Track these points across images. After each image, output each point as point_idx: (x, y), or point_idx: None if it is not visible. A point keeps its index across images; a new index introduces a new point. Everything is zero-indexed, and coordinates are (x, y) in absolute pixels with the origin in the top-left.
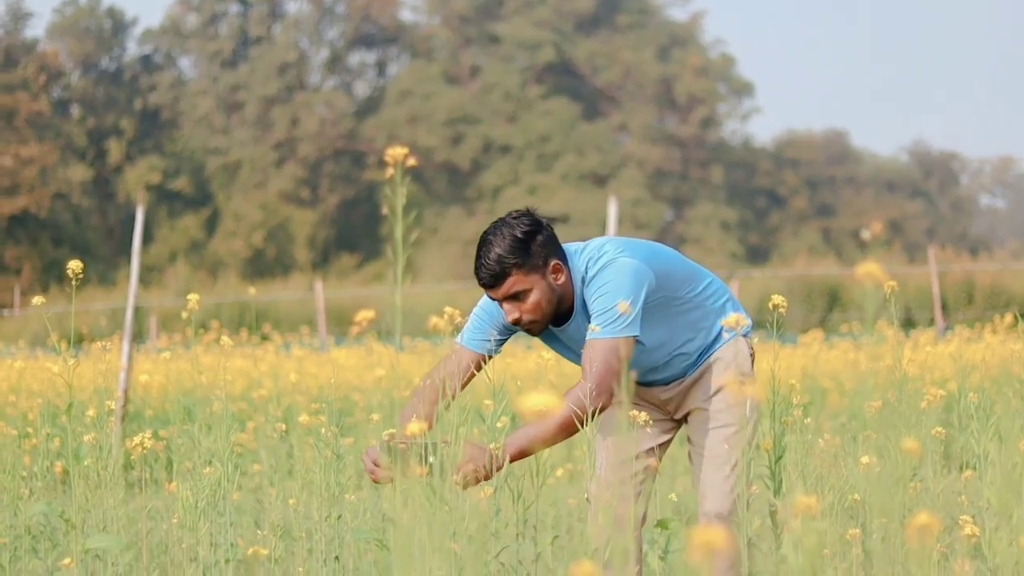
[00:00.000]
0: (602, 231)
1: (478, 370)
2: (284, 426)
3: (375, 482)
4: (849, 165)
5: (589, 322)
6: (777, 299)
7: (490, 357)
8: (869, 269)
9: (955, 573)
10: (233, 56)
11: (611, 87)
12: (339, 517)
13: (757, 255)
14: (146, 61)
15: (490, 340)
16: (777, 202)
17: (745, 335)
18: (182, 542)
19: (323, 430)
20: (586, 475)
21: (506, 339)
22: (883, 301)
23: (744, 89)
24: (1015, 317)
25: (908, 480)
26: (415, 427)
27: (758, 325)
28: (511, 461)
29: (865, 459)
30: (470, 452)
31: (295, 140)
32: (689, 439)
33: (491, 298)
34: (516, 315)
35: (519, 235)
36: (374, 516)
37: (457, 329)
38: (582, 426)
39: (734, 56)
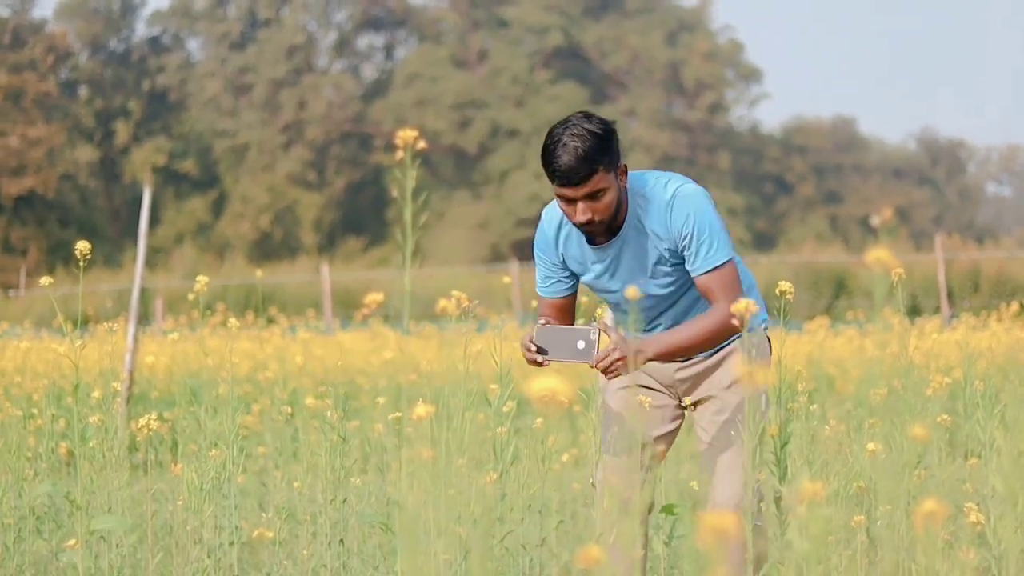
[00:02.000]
0: None
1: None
2: (290, 409)
3: (531, 363)
4: (857, 152)
5: (647, 247)
6: (784, 285)
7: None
8: (879, 255)
9: (960, 560)
10: (241, 38)
11: (619, 72)
12: (344, 500)
13: (764, 241)
14: (154, 42)
15: (567, 281)
16: (784, 188)
17: (764, 327)
18: (187, 524)
19: (328, 413)
20: (591, 460)
21: (576, 275)
22: (891, 288)
23: (752, 75)
24: (1021, 305)
25: (913, 467)
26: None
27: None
28: (656, 358)
29: (871, 446)
30: (617, 341)
31: (302, 123)
32: (700, 427)
33: (565, 198)
34: (589, 215)
35: (601, 133)
36: (379, 500)
37: (464, 313)
38: (737, 330)
39: (742, 42)
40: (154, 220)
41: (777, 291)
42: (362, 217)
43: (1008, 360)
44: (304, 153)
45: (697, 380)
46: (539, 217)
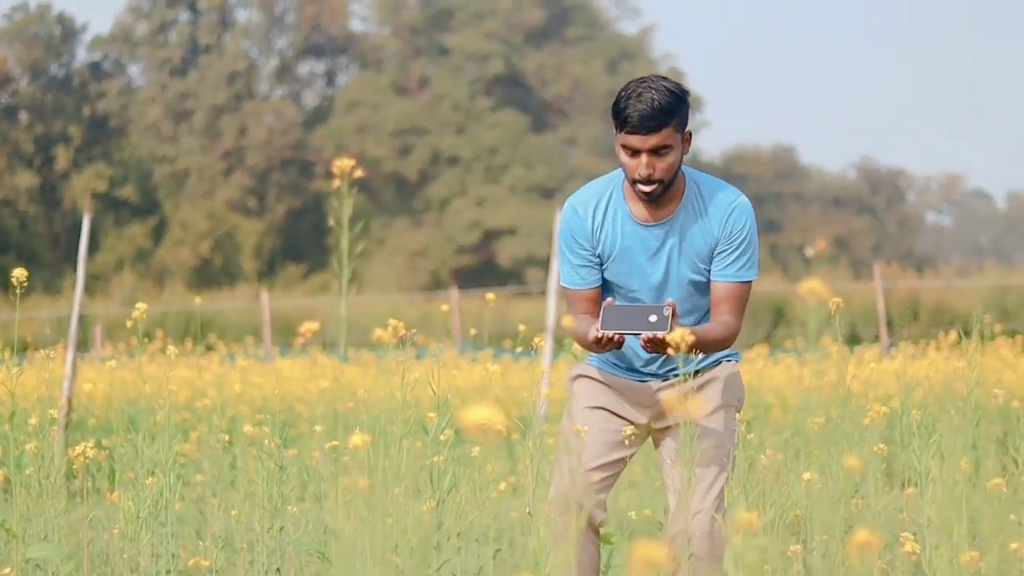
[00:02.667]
0: (549, 244)
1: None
2: (227, 437)
3: (605, 343)
4: (796, 181)
5: (695, 242)
6: None
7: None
8: (812, 286)
9: None
10: (182, 64)
11: (560, 100)
12: (281, 529)
13: None
14: (95, 68)
15: (599, 270)
16: None
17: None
18: (123, 552)
19: (266, 441)
20: (529, 488)
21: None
22: (827, 318)
23: (692, 103)
24: (959, 335)
25: (850, 496)
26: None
27: None
28: (694, 346)
29: (807, 475)
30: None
31: (243, 149)
32: (669, 446)
33: (631, 148)
34: (651, 170)
35: (678, 91)
36: (316, 528)
37: (401, 342)
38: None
39: (683, 70)
40: (94, 246)
41: None
42: (302, 244)
43: (946, 389)
44: (244, 179)
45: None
46: (556, 213)
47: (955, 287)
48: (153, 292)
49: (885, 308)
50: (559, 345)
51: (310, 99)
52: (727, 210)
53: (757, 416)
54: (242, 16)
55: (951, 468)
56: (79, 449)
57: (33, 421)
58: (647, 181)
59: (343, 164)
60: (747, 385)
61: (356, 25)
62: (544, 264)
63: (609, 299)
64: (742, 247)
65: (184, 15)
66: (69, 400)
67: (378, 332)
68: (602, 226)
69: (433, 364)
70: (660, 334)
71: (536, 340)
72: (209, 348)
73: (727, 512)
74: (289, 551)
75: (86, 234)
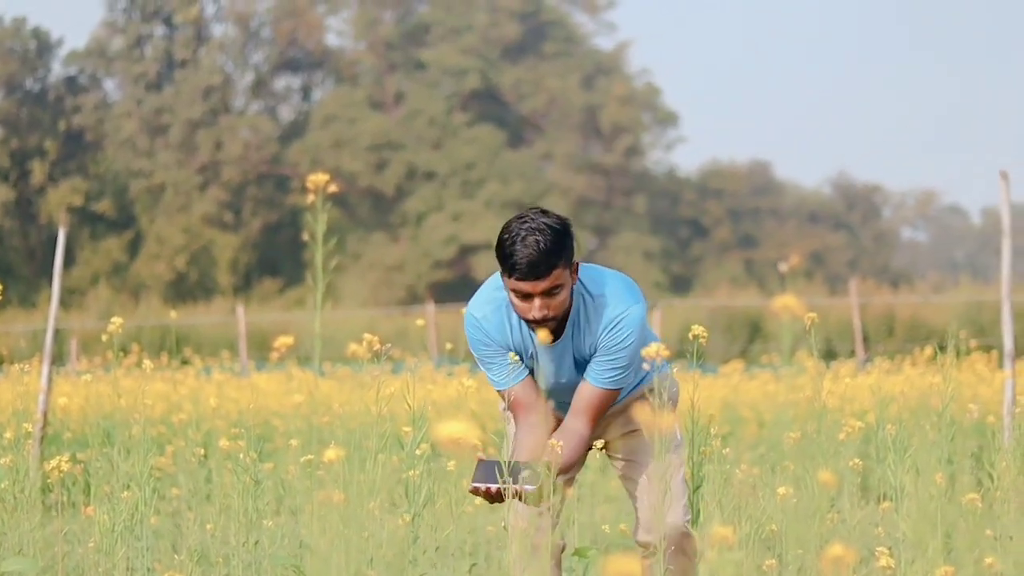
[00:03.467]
0: None
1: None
2: (203, 451)
3: (489, 500)
4: (772, 196)
5: (581, 349)
6: (697, 329)
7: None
8: (786, 302)
9: None
10: (158, 79)
11: (536, 115)
12: (256, 543)
13: (680, 285)
14: (71, 82)
15: (524, 364)
16: (700, 232)
17: (669, 371)
18: (99, 566)
19: (242, 455)
20: (504, 504)
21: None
22: (802, 333)
23: (668, 119)
24: (934, 350)
25: (825, 511)
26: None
27: (679, 355)
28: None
29: (782, 490)
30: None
31: (219, 164)
32: (622, 463)
33: (523, 293)
34: (545, 311)
35: (560, 228)
36: (291, 542)
37: (376, 356)
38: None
39: (659, 86)
40: (69, 260)
41: (690, 335)
42: (278, 258)
43: (920, 405)
44: (220, 194)
45: (603, 427)
46: (468, 299)
47: (930, 303)
48: (129, 306)
49: (861, 323)
50: None
51: (286, 114)
52: (609, 325)
53: (733, 431)
54: (218, 31)
55: (926, 483)
56: (54, 463)
57: (8, 435)
58: (542, 321)
59: (317, 179)
60: (723, 400)
61: (332, 40)
62: None
63: (480, 454)
64: (611, 358)
65: (160, 29)
66: (44, 414)
67: (353, 347)
68: (511, 331)
69: (409, 378)
70: (528, 489)
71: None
72: (185, 362)
73: (703, 524)
74: (265, 565)
75: (62, 248)
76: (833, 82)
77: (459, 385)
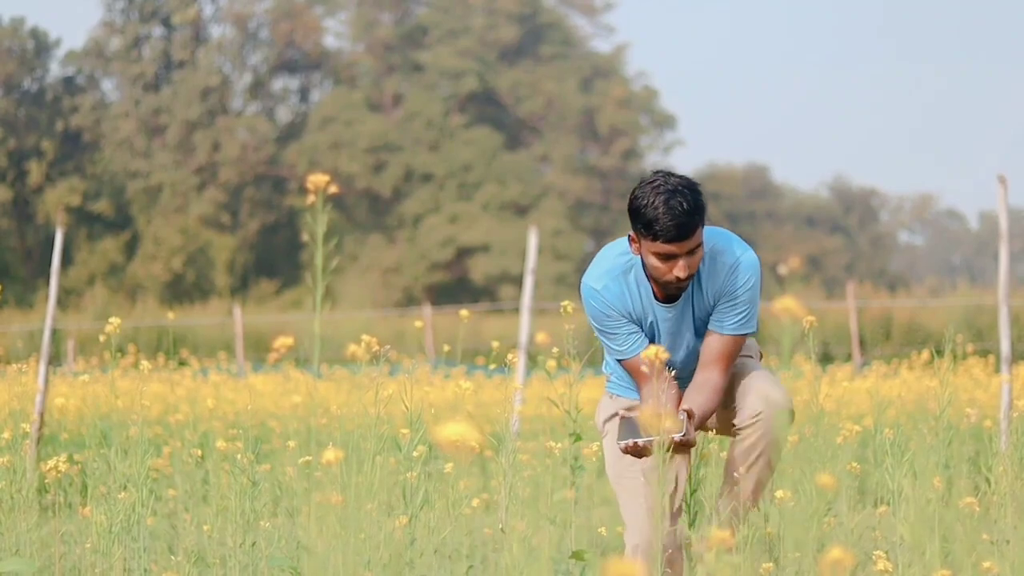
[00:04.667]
0: (522, 261)
1: None
2: (200, 452)
3: (636, 454)
4: (769, 199)
5: (701, 304)
6: None
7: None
8: (786, 304)
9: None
10: (156, 79)
11: (533, 117)
12: (253, 544)
13: None
14: (68, 83)
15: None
16: None
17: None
18: (95, 567)
19: (239, 456)
20: (501, 505)
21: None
22: (800, 336)
23: (666, 122)
24: (931, 353)
25: (823, 515)
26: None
27: None
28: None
29: (780, 493)
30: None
31: (216, 164)
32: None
33: (669, 255)
34: (687, 270)
35: (697, 188)
36: (288, 543)
37: (374, 358)
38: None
39: (656, 88)
40: (66, 261)
41: None
42: (275, 260)
43: (918, 408)
44: (218, 195)
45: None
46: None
47: (928, 306)
48: (126, 307)
49: (858, 327)
50: (532, 362)
51: (284, 115)
52: (728, 272)
53: None
54: (216, 32)
55: (923, 487)
56: (51, 463)
57: (5, 435)
58: (684, 280)
59: (317, 180)
60: None
61: (330, 41)
62: (517, 281)
63: (621, 411)
64: (739, 303)
65: (158, 30)
66: (41, 414)
67: (352, 348)
68: (631, 299)
69: (406, 380)
70: (677, 437)
71: (509, 357)
72: (182, 363)
73: (701, 528)
74: (261, 566)
75: (59, 248)
76: (830, 85)
77: (456, 387)
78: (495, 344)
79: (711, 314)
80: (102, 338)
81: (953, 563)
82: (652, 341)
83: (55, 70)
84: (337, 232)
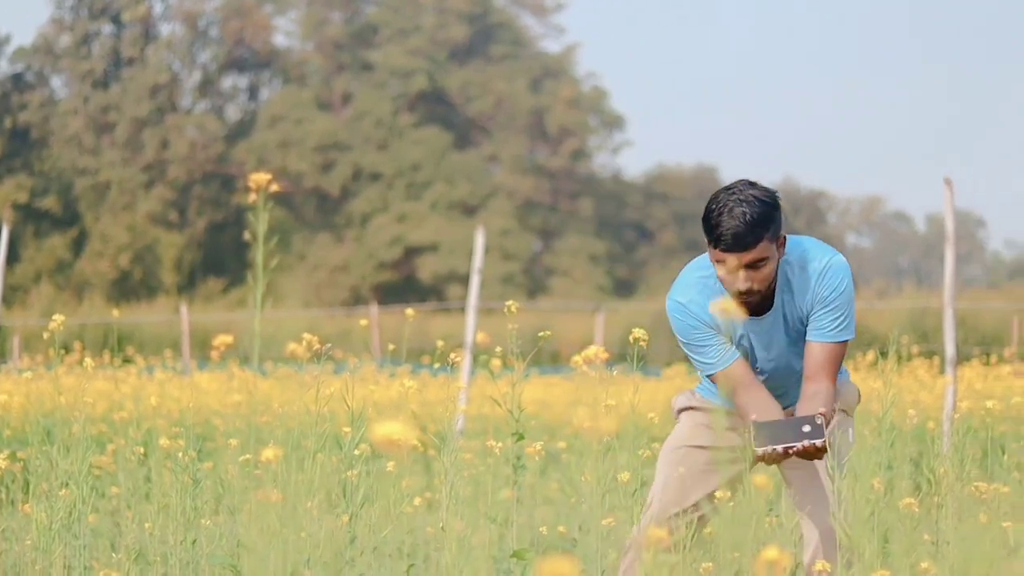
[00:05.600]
0: (470, 261)
1: None
2: (143, 449)
3: (773, 461)
4: None
5: (795, 314)
6: (638, 332)
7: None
8: (723, 305)
9: None
10: (105, 76)
11: (483, 117)
12: (194, 542)
13: (624, 288)
14: (17, 79)
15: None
16: (645, 236)
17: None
18: (36, 564)
19: (180, 454)
20: (443, 504)
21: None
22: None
23: (615, 122)
24: (877, 355)
25: (763, 515)
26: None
27: (620, 358)
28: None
29: (720, 493)
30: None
31: (165, 162)
32: (798, 473)
33: (723, 262)
34: (750, 284)
35: (769, 200)
36: (229, 541)
37: (315, 356)
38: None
39: (606, 89)
40: (13, 257)
41: (631, 338)
42: (223, 258)
43: (862, 410)
44: (166, 193)
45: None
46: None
47: (874, 308)
48: (72, 304)
49: None
50: (476, 361)
51: (233, 113)
52: (817, 280)
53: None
54: (166, 29)
55: (863, 488)
56: None
57: None
58: (747, 293)
59: (259, 178)
60: (665, 403)
61: (279, 40)
62: (465, 280)
63: (754, 416)
64: (835, 308)
65: (107, 27)
66: None
67: (292, 346)
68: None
69: (348, 379)
70: (818, 443)
71: (452, 356)
72: (127, 360)
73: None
74: (202, 564)
75: (5, 245)
76: (778, 87)
77: (400, 387)
78: (440, 343)
79: (806, 323)
80: (47, 335)
81: (892, 564)
82: (745, 354)
83: (3, 67)
84: (284, 231)
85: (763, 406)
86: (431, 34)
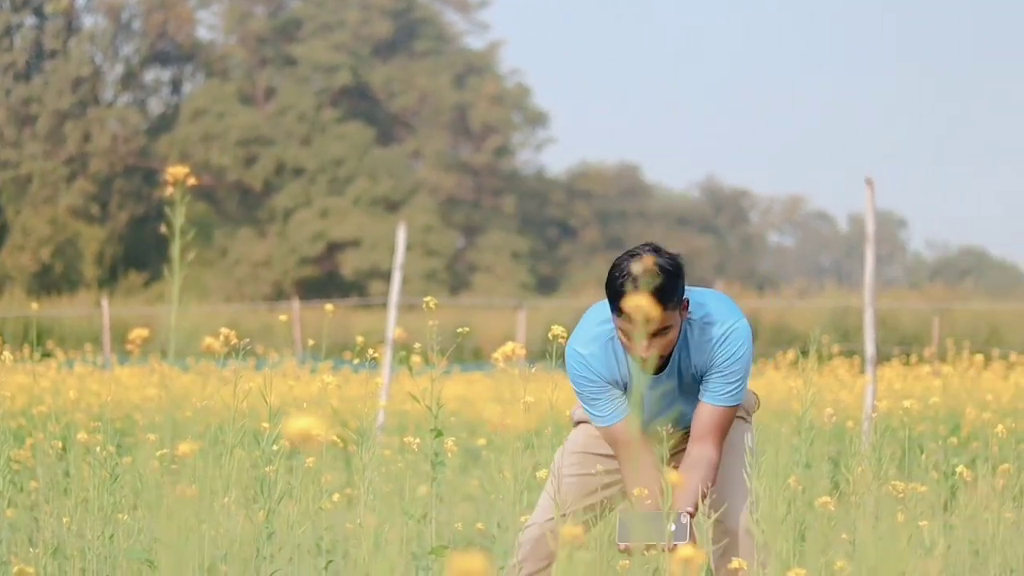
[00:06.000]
0: (392, 257)
1: None
2: (61, 444)
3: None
4: (640, 199)
5: (690, 371)
6: (557, 329)
7: None
8: (638, 302)
9: None
10: (27, 68)
11: (406, 113)
12: (111, 537)
13: (546, 285)
14: None
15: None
16: (568, 233)
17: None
18: None
19: (98, 448)
20: (362, 500)
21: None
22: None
23: (538, 119)
24: (797, 354)
25: (679, 513)
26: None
27: (541, 355)
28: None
29: (637, 491)
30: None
31: (87, 155)
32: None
33: (625, 331)
34: (653, 350)
35: (672, 270)
36: (147, 536)
37: (233, 351)
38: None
39: (529, 86)
40: None
41: (550, 335)
42: (144, 252)
43: (783, 409)
44: (87, 186)
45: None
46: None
47: (795, 307)
48: None
49: None
50: (397, 358)
51: (155, 107)
52: (718, 341)
53: None
54: (88, 22)
55: (779, 486)
56: None
57: None
58: (647, 358)
59: (176, 171)
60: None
61: (203, 33)
62: (387, 277)
63: (620, 510)
64: (727, 374)
65: (29, 19)
66: None
67: (208, 340)
68: (618, 366)
69: (268, 374)
70: (680, 544)
71: (371, 351)
72: (47, 355)
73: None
74: (120, 559)
75: None
76: (702, 86)
77: (321, 383)
78: (360, 339)
79: (699, 381)
80: None
81: (807, 563)
82: (639, 409)
83: None
84: (205, 225)
85: (642, 479)
86: (355, 29)
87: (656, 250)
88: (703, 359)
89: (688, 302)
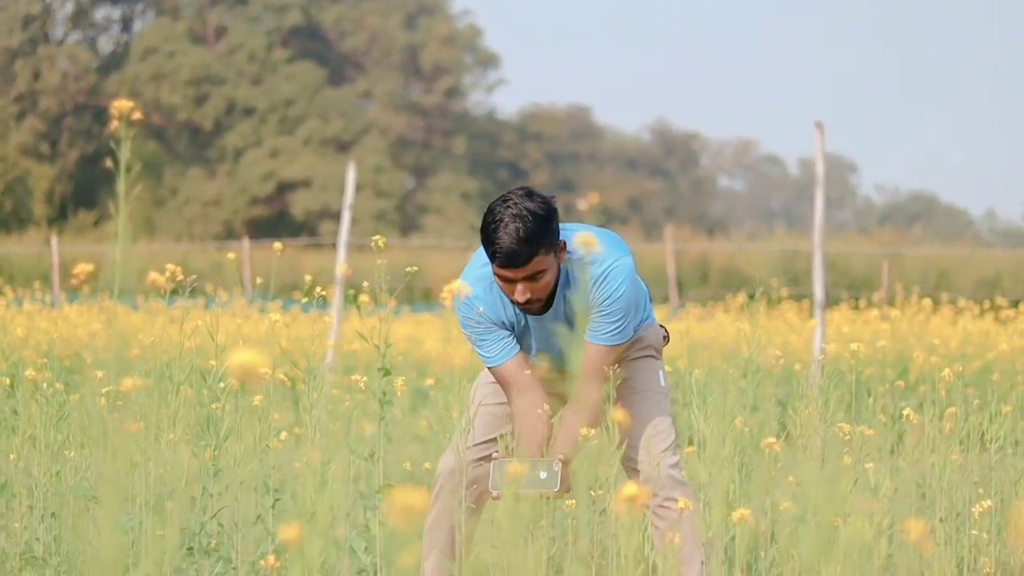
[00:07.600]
0: (342, 197)
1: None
2: (9, 381)
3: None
4: (591, 141)
5: (573, 310)
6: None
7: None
8: (584, 239)
9: (667, 542)
10: None
11: (357, 53)
12: (57, 474)
13: None
14: None
15: (515, 340)
16: (519, 175)
17: (652, 322)
18: None
19: (44, 385)
20: (308, 439)
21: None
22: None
23: (490, 60)
24: (746, 297)
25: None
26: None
27: None
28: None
29: (584, 431)
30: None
31: (36, 94)
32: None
33: (505, 278)
34: (528, 295)
35: (543, 213)
36: (94, 474)
37: (178, 287)
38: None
39: (481, 27)
40: None
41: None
42: (94, 190)
43: (732, 352)
44: (37, 124)
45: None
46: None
47: (745, 251)
48: None
49: (675, 270)
50: (347, 298)
51: (105, 45)
52: (598, 280)
53: None
54: None
55: (726, 427)
56: None
57: None
58: (526, 303)
59: (121, 105)
60: None
61: None
62: (338, 217)
63: (495, 452)
64: (611, 312)
65: None
66: None
67: (153, 275)
68: (504, 307)
69: (216, 312)
70: (551, 493)
71: (319, 290)
72: None
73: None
74: (67, 496)
75: None
76: (654, 29)
77: (269, 321)
78: (308, 278)
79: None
80: None
81: (752, 503)
82: (525, 346)
83: None
84: (156, 164)
85: (528, 420)
86: None
87: (529, 194)
88: (583, 299)
89: (564, 244)
